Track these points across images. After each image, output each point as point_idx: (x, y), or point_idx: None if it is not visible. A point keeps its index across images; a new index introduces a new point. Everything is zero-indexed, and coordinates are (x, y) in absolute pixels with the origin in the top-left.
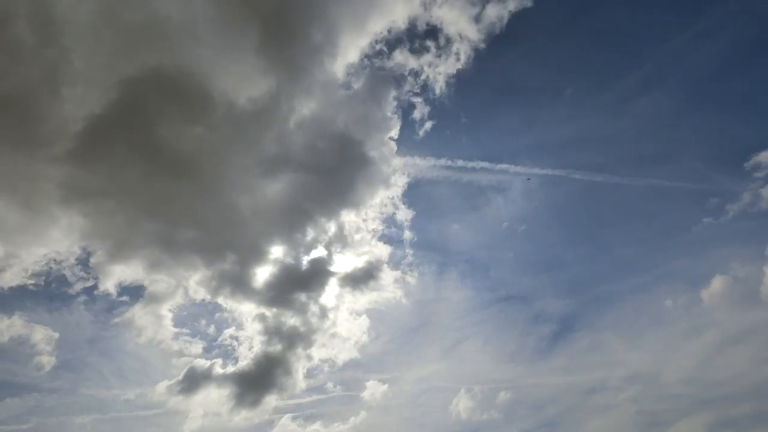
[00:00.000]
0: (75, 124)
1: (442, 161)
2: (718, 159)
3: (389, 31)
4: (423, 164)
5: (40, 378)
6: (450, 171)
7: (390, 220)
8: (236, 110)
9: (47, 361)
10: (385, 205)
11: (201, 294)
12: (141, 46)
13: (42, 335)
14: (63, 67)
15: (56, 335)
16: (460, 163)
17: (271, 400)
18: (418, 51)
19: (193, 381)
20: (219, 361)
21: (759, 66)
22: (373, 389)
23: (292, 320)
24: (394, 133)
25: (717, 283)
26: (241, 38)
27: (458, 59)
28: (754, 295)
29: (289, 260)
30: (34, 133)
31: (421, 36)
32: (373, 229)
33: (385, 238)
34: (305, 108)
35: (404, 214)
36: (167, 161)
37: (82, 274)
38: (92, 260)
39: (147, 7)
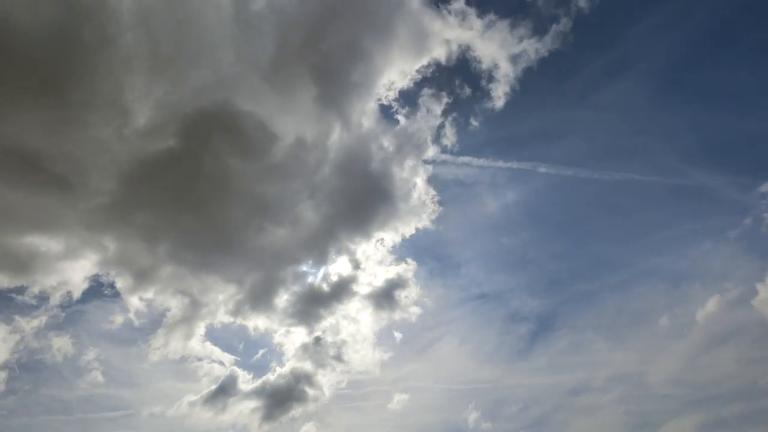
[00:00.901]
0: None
1: None
2: (692, 152)
3: (427, 67)
4: None
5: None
6: None
7: None
8: (284, 144)
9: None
10: None
11: (231, 316)
12: (202, 84)
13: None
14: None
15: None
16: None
17: None
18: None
19: (222, 395)
20: (246, 376)
21: (732, 51)
22: None
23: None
24: None
25: (699, 282)
26: (295, 80)
27: None
28: (738, 294)
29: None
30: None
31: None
32: None
33: None
34: (346, 141)
35: None
36: (217, 192)
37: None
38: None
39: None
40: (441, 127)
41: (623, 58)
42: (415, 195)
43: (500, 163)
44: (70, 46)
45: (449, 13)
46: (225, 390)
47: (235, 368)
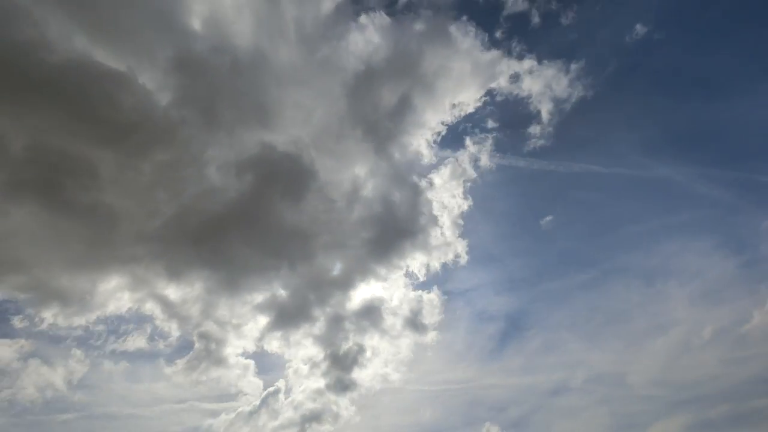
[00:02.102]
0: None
1: None
2: (654, 142)
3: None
4: None
5: None
6: None
7: None
8: (330, 186)
9: None
10: None
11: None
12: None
13: None
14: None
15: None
16: None
17: None
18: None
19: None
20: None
21: (689, 35)
22: None
23: None
24: None
25: (674, 280)
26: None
27: None
28: (716, 293)
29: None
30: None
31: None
32: None
33: None
34: (387, 179)
35: None
36: (265, 231)
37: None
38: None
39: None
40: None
41: (573, 42)
42: None
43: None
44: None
45: (497, 50)
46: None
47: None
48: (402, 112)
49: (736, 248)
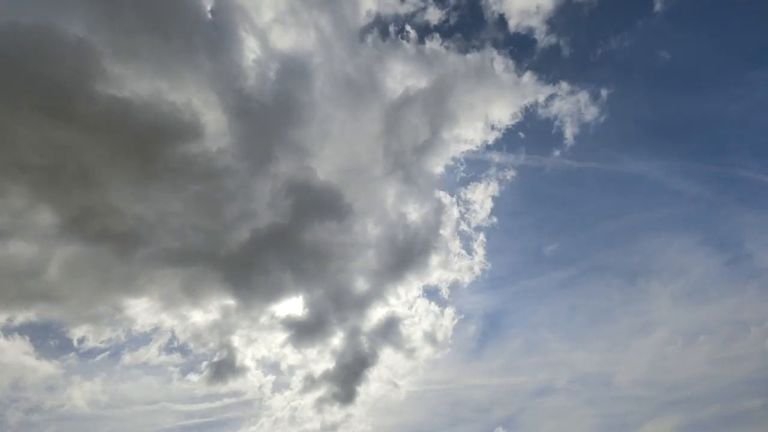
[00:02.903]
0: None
1: None
2: (627, 136)
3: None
4: None
5: None
6: None
7: None
8: (360, 210)
9: None
10: None
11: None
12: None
13: None
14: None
15: None
16: None
17: None
18: None
19: None
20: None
21: (666, 24)
22: None
23: None
24: None
25: (656, 278)
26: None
27: None
28: (701, 291)
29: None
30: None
31: None
32: None
33: None
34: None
35: None
36: (293, 252)
37: None
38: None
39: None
40: None
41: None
42: None
43: None
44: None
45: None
46: None
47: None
48: (433, 142)
49: (719, 246)
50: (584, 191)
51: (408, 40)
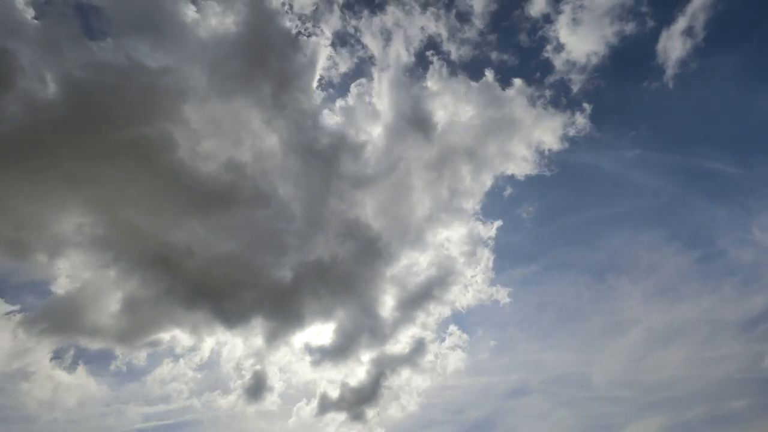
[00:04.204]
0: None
1: None
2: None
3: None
4: None
5: None
6: None
7: None
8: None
9: None
10: None
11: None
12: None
13: None
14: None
15: None
16: None
17: None
18: None
19: None
20: None
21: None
22: None
23: None
24: None
25: (626, 276)
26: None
27: None
28: (674, 289)
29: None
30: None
31: None
32: None
33: None
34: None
35: None
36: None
37: None
38: None
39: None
40: None
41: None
42: None
43: None
44: None
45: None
46: None
47: None
48: (464, 191)
49: (689, 242)
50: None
51: (456, 76)
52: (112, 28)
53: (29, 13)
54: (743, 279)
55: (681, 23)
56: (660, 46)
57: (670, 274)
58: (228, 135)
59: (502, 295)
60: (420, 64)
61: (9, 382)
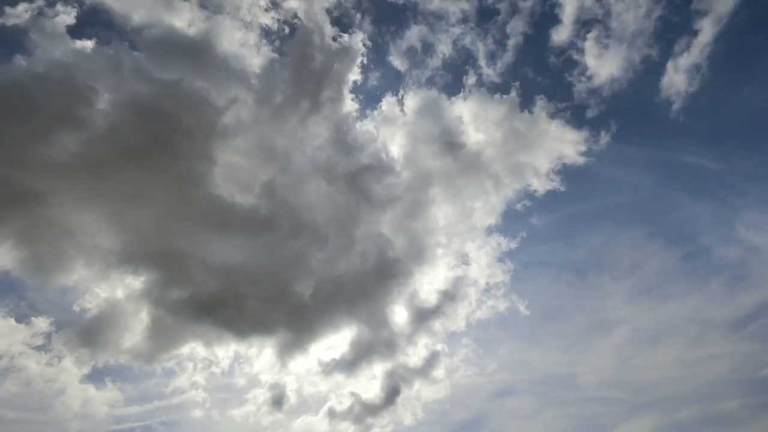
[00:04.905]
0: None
1: None
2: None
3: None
4: None
5: None
6: None
7: None
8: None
9: None
10: None
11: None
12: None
13: None
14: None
15: None
16: None
17: None
18: None
19: None
20: None
21: None
22: None
23: None
24: None
25: (607, 273)
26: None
27: None
28: (659, 288)
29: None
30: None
31: None
32: None
33: None
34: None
35: None
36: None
37: None
38: None
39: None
40: None
41: None
42: None
43: None
44: None
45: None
46: None
47: None
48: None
49: (672, 239)
50: None
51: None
52: (154, 53)
53: (89, 43)
54: (730, 278)
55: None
56: None
57: (654, 272)
58: (259, 156)
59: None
60: (449, 81)
61: (40, 397)
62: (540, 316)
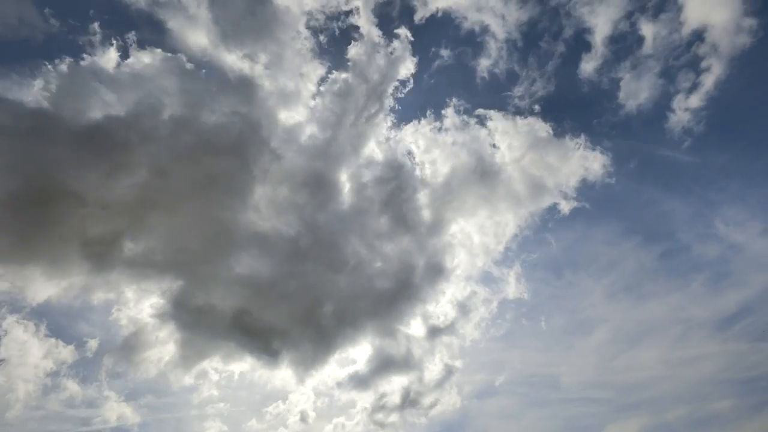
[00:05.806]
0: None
1: None
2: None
3: None
4: None
5: None
6: None
7: None
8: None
9: None
10: None
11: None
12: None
13: None
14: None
15: None
16: None
17: None
18: None
19: None
20: None
21: None
22: None
23: None
24: None
25: (583, 271)
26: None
27: None
28: (638, 286)
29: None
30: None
31: None
32: None
33: None
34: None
35: None
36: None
37: None
38: None
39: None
40: None
41: None
42: None
43: None
44: None
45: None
46: None
47: None
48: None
49: (648, 237)
50: None
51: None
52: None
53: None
54: (712, 276)
55: None
56: None
57: (632, 270)
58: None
59: None
60: (481, 105)
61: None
62: (515, 314)
